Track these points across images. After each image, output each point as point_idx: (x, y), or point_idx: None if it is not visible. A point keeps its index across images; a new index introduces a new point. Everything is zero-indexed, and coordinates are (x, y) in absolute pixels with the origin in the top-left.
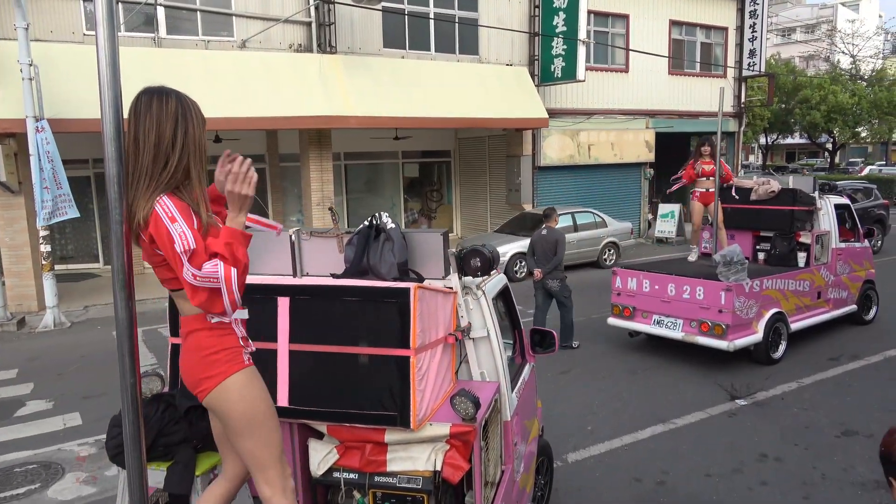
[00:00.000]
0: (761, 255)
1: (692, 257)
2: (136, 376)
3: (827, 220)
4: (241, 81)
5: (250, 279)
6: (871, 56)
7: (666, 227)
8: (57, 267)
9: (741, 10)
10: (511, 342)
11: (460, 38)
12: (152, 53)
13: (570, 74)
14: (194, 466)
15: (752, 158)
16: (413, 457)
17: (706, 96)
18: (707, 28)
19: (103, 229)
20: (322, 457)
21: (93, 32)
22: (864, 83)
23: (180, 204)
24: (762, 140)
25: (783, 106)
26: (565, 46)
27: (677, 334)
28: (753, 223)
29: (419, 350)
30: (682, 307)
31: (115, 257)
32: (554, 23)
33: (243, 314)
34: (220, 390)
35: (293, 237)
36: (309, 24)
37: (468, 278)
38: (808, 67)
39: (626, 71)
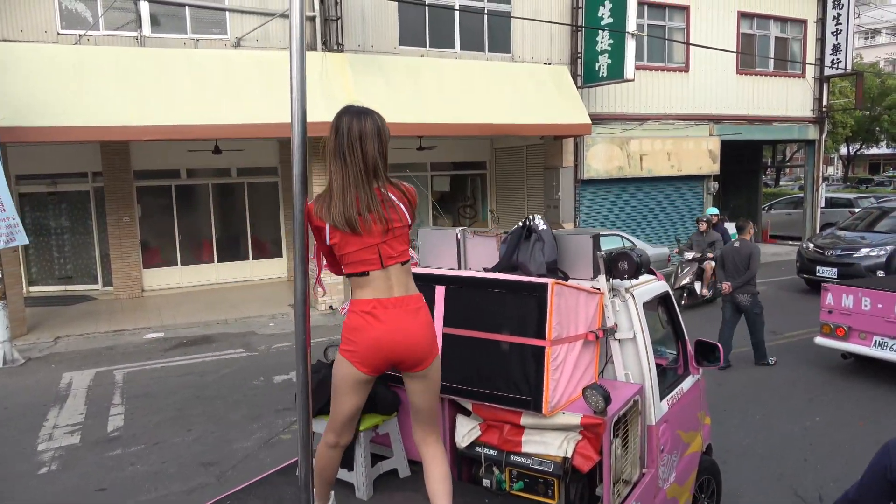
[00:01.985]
0: None
1: None
2: (305, 332)
3: None
4: (234, 84)
5: (415, 270)
6: None
7: None
8: (54, 288)
9: (823, 1)
10: (674, 352)
11: (490, 33)
12: (135, 54)
13: (616, 73)
14: (359, 422)
15: (830, 170)
16: (546, 442)
17: (781, 98)
18: (783, 21)
19: (103, 248)
20: (466, 431)
21: (69, 31)
22: None
23: None
24: (843, 150)
25: (867, 113)
26: (612, 41)
27: None
28: None
29: (555, 342)
30: None
31: (297, 240)
32: (599, 14)
33: None
34: (439, 356)
35: (459, 236)
36: (313, 18)
37: (617, 281)
38: (895, 72)
39: (686, 70)
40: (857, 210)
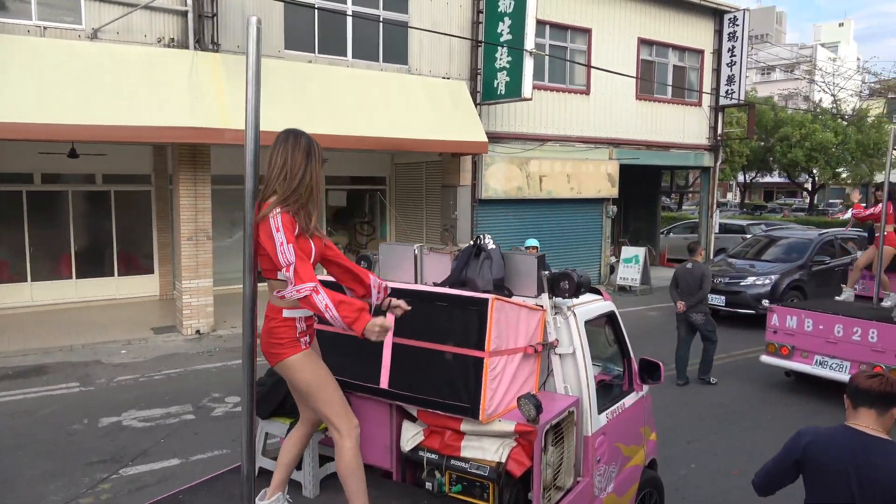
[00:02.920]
0: None
1: (844, 297)
2: (252, 339)
3: None
4: (89, 80)
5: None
6: (851, 95)
7: (629, 273)
8: None
9: (719, 32)
10: (621, 369)
11: (385, 42)
12: None
13: (514, 91)
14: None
15: (729, 196)
16: (484, 447)
17: (678, 125)
18: (681, 50)
19: None
20: (411, 436)
21: None
22: (846, 122)
23: (290, 221)
24: (740, 178)
25: (762, 143)
26: (510, 58)
27: (844, 376)
28: None
29: (493, 354)
30: (850, 349)
31: (246, 248)
32: (498, 30)
33: (309, 313)
34: (280, 366)
35: (416, 252)
36: (185, 13)
37: (560, 299)
38: (787, 106)
39: (587, 93)
40: (748, 236)
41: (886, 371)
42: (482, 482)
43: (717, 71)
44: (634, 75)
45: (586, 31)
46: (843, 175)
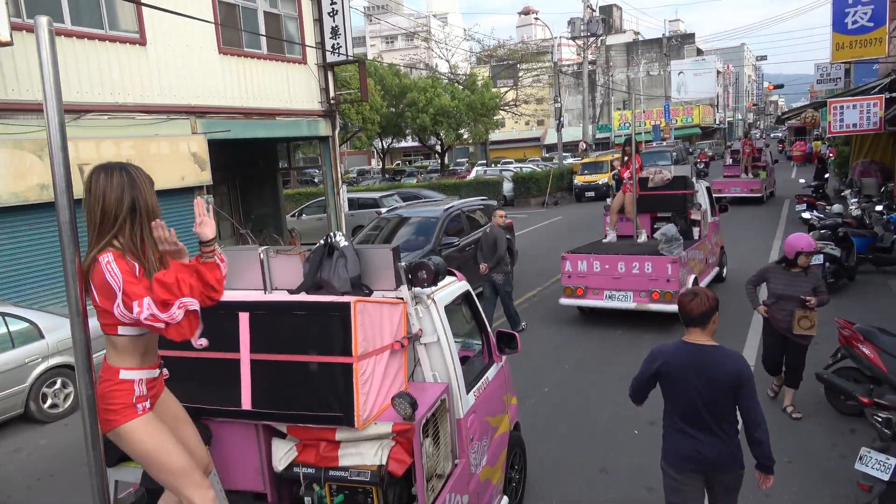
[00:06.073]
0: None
1: (609, 238)
2: (92, 387)
3: (703, 199)
4: None
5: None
6: (462, 61)
7: None
8: None
9: None
10: (480, 343)
11: None
12: None
13: None
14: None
15: (373, 163)
16: (362, 452)
17: (282, 88)
18: None
19: None
20: (283, 454)
21: None
22: (461, 87)
23: (123, 265)
24: (378, 144)
25: (393, 109)
26: None
27: (630, 305)
28: (651, 206)
29: (362, 357)
30: (631, 281)
31: (71, 289)
32: None
33: (153, 373)
34: (115, 433)
35: (262, 256)
36: None
37: (419, 289)
38: (411, 73)
39: (143, 42)
40: (383, 210)
41: (661, 293)
42: (365, 488)
43: (318, 21)
44: (210, 20)
45: None
46: (465, 136)
